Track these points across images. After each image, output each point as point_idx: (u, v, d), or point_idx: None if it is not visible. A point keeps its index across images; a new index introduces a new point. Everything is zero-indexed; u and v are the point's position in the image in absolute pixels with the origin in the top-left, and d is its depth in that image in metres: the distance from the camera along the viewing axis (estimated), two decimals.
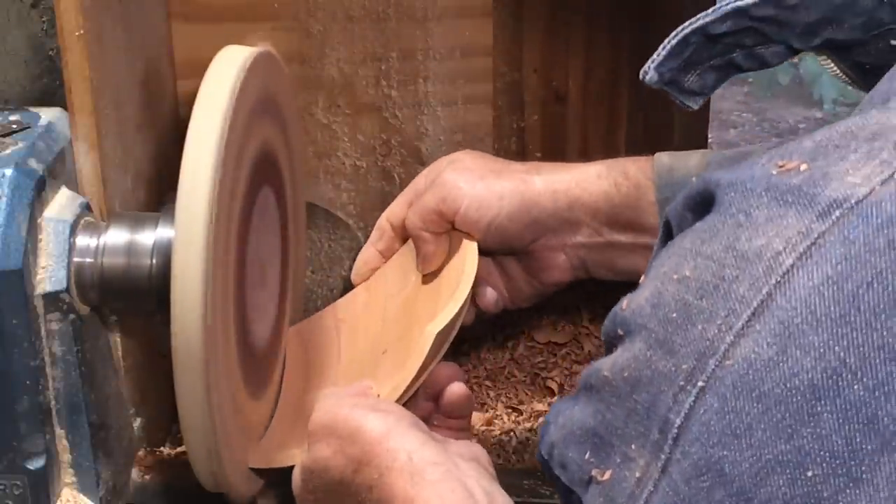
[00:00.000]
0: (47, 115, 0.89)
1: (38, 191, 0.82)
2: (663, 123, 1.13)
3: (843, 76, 0.73)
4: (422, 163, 1.15)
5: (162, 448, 0.99)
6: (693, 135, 1.14)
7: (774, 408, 0.45)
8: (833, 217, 0.46)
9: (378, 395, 0.83)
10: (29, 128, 0.87)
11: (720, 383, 0.46)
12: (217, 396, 0.78)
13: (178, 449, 0.97)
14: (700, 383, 0.47)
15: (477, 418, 1.04)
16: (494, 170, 0.95)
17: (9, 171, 0.81)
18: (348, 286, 1.20)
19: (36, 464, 0.83)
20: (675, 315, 0.48)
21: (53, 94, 0.95)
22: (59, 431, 0.85)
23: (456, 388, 0.84)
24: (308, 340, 1.01)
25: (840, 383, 0.44)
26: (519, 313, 1.13)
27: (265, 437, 0.91)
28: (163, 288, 0.77)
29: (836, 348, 0.44)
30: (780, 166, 0.49)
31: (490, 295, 0.98)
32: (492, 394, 1.08)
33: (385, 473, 0.71)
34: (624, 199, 0.93)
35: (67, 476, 0.87)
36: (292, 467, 0.83)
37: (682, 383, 0.48)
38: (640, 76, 0.72)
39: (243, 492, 0.86)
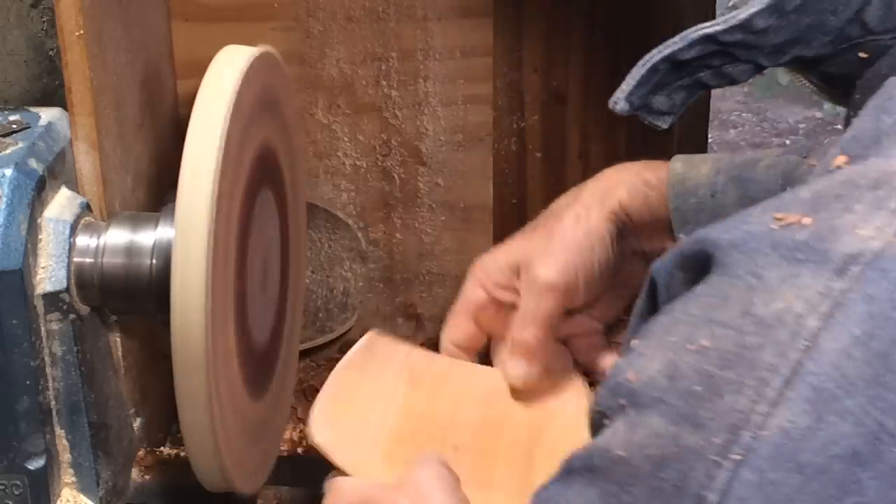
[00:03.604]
0: (47, 115, 0.89)
1: (38, 191, 0.82)
2: None
3: (812, 86, 0.73)
4: (422, 163, 1.16)
5: (162, 448, 0.99)
6: (693, 135, 1.14)
7: (815, 478, 0.44)
8: (851, 274, 0.45)
9: None
10: (29, 128, 0.87)
11: (756, 456, 0.45)
12: (217, 396, 0.78)
13: (178, 449, 0.97)
14: (735, 457, 0.45)
15: None
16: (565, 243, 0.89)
17: (9, 171, 0.81)
18: (348, 286, 1.20)
19: (36, 464, 0.83)
20: (698, 388, 0.47)
21: (53, 94, 0.95)
22: (59, 431, 0.85)
23: None
24: (374, 354, 0.94)
25: (880, 447, 0.43)
26: None
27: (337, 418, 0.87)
28: (163, 288, 0.77)
29: (873, 411, 0.43)
30: (779, 220, 0.48)
31: None
32: None
33: None
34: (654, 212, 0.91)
35: (67, 476, 0.87)
36: (293, 466, 0.83)
37: (714, 458, 0.46)
38: (610, 106, 0.72)
39: (243, 491, 0.86)
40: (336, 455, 0.82)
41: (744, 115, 3.35)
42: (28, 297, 0.80)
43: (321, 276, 1.20)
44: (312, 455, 1.08)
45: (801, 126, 3.37)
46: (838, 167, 0.51)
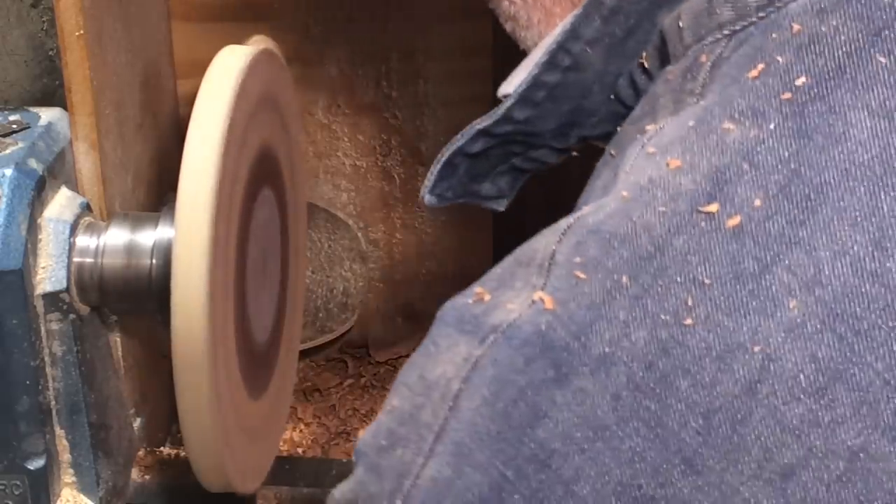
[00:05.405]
0: (47, 115, 0.89)
1: (38, 191, 0.82)
2: None
3: None
4: (422, 163, 1.16)
5: (162, 448, 0.99)
6: None
7: None
8: (488, 342, 0.49)
9: None
10: (29, 128, 0.87)
11: (412, 502, 0.50)
12: (217, 396, 0.78)
13: (178, 449, 0.97)
14: (398, 502, 0.51)
15: None
16: None
17: (9, 171, 0.81)
18: (348, 286, 1.20)
19: (36, 464, 0.83)
20: (384, 442, 0.52)
21: (53, 94, 0.95)
22: (59, 431, 0.85)
23: None
24: None
25: (503, 495, 0.48)
26: None
27: None
28: (163, 288, 0.77)
29: (497, 463, 0.48)
30: (476, 294, 0.52)
31: None
32: None
33: None
34: None
35: (67, 476, 0.87)
36: (293, 466, 0.83)
37: (385, 503, 0.51)
38: (419, 200, 0.74)
39: (243, 491, 0.86)
40: None
41: None
42: (28, 297, 0.81)
43: (321, 276, 1.20)
44: (312, 455, 1.08)
45: None
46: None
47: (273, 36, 0.92)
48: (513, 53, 1.21)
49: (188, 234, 0.75)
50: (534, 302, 0.49)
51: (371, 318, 1.22)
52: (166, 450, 0.98)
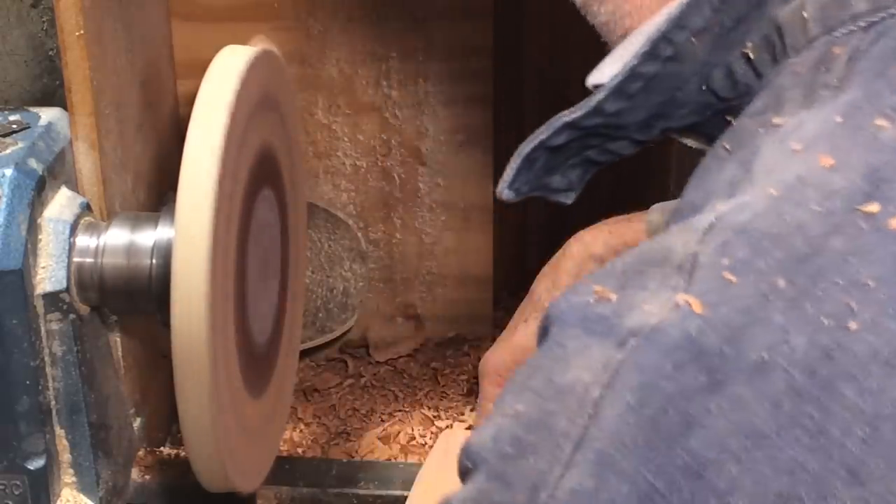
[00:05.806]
0: (47, 115, 0.89)
1: (38, 191, 0.82)
2: None
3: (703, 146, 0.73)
4: (422, 163, 1.16)
5: (162, 448, 0.99)
6: None
7: None
8: (629, 346, 0.48)
9: None
10: (29, 128, 0.87)
11: None
12: (217, 396, 0.78)
13: (178, 449, 0.97)
14: None
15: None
16: None
17: (9, 171, 0.81)
18: (348, 286, 1.20)
19: (36, 464, 0.83)
20: (510, 449, 0.50)
21: (53, 94, 0.95)
22: (59, 431, 0.85)
23: None
24: (451, 452, 0.98)
25: None
26: None
27: None
28: (163, 288, 0.77)
29: (646, 473, 0.46)
30: (596, 293, 0.50)
31: None
32: None
33: None
34: None
35: (67, 476, 0.87)
36: (293, 466, 0.83)
37: None
38: (497, 195, 0.73)
39: (243, 491, 0.86)
40: None
41: None
42: (28, 297, 0.81)
43: (321, 276, 1.20)
44: (312, 455, 1.08)
45: None
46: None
47: (273, 36, 0.92)
48: (513, 53, 1.21)
49: (188, 234, 0.75)
50: (678, 305, 0.47)
51: (371, 318, 1.22)
52: (166, 450, 0.98)
